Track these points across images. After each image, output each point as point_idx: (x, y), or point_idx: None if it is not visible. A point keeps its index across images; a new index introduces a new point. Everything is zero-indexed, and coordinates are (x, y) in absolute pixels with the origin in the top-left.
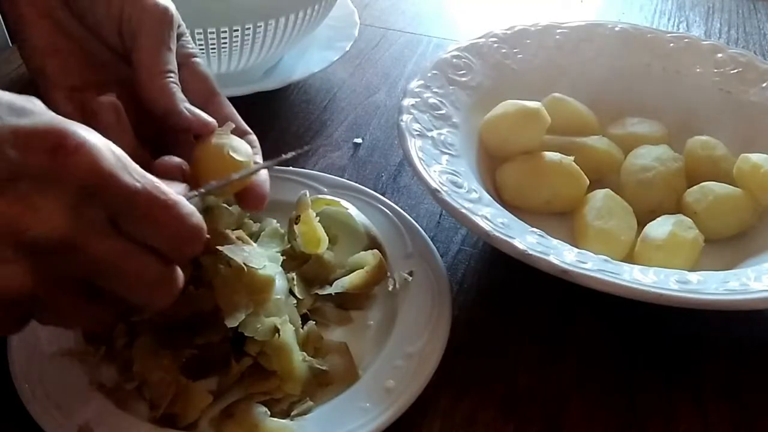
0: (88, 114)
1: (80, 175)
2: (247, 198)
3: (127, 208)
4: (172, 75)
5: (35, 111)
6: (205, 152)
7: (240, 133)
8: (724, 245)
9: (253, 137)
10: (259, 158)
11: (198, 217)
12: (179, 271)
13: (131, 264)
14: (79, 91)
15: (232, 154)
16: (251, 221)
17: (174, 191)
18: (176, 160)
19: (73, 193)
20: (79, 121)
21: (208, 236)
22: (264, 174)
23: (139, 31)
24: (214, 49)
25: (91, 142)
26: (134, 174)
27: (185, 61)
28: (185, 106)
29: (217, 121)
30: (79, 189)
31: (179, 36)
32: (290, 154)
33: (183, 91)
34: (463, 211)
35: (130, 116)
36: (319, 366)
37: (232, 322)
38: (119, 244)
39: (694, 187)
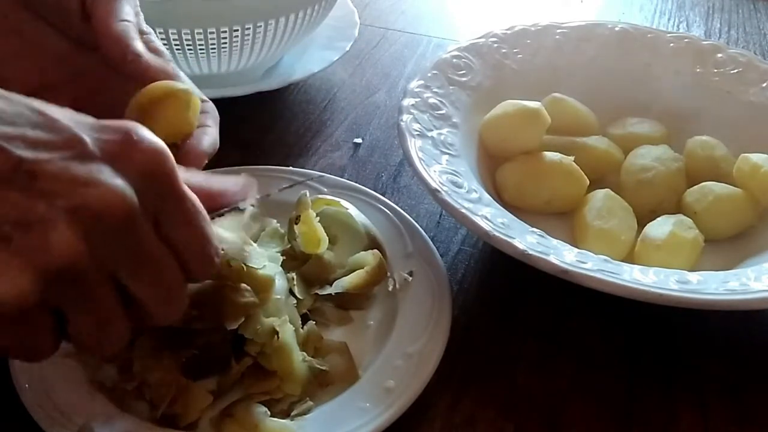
0: None
1: (145, 161)
2: (188, 155)
3: (172, 210)
4: (128, 23)
5: None
6: (150, 87)
7: None
8: (724, 245)
9: (210, 104)
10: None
11: (216, 246)
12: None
13: (163, 262)
14: (39, 93)
15: (176, 83)
16: (251, 221)
17: None
18: None
19: (134, 178)
20: None
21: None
22: (211, 134)
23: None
24: (214, 49)
25: (158, 141)
26: (186, 183)
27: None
28: (145, 52)
29: None
30: (140, 175)
31: (136, 13)
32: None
33: None
34: (463, 211)
35: (90, 110)
36: (319, 366)
37: (232, 325)
38: (158, 241)
39: (694, 187)
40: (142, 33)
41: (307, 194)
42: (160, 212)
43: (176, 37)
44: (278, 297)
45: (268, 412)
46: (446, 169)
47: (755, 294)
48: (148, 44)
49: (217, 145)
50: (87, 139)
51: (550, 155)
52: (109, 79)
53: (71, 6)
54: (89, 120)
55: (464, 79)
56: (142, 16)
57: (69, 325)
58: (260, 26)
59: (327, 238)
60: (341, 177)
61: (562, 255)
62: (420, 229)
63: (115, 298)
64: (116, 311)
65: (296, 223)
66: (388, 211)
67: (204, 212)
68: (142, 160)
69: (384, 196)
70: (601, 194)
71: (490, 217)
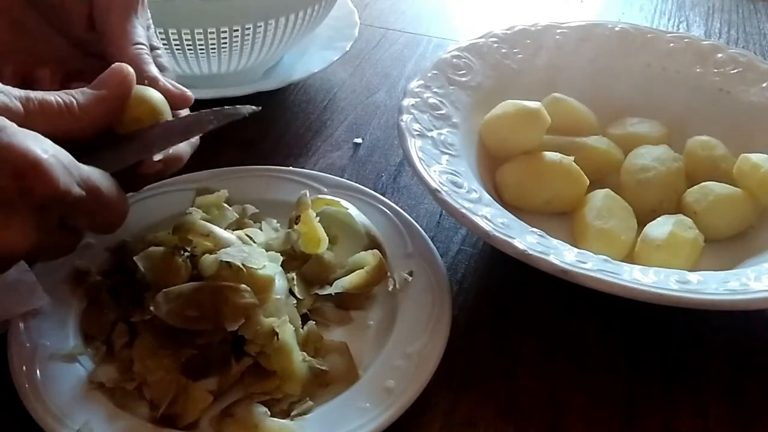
0: None
1: (40, 198)
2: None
3: (74, 212)
4: (143, 46)
5: None
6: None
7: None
8: (724, 245)
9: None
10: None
11: (119, 200)
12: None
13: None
14: (31, 87)
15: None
16: (251, 221)
17: None
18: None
19: (34, 212)
20: None
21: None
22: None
23: (108, 12)
24: (214, 49)
25: (46, 163)
26: (80, 180)
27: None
28: (170, 82)
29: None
30: (39, 207)
31: (146, 27)
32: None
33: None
34: (463, 211)
35: None
36: (319, 366)
37: (232, 327)
38: (65, 232)
39: (694, 187)
40: (153, 49)
41: (307, 194)
42: (63, 217)
43: (176, 37)
44: (278, 297)
45: (268, 412)
46: (446, 169)
47: (755, 294)
48: (155, 61)
49: (181, 162)
50: None
51: (550, 155)
52: None
53: (76, 16)
54: None
55: (464, 79)
56: (153, 29)
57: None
58: (260, 26)
59: (327, 238)
60: (341, 177)
61: (562, 255)
62: (420, 229)
63: (66, 234)
64: (72, 238)
65: (296, 223)
66: (388, 211)
67: (101, 196)
68: (37, 198)
69: (384, 196)
70: (601, 194)
71: (490, 217)
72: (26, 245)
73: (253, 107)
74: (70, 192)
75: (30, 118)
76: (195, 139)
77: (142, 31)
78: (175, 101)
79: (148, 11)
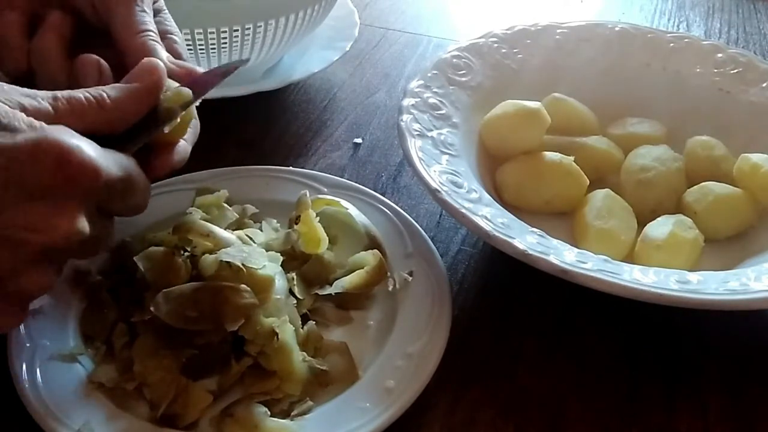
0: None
1: (84, 182)
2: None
3: (110, 197)
4: (150, 33)
5: (19, 127)
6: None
7: None
8: (724, 245)
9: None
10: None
11: (144, 181)
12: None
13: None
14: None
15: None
16: (251, 221)
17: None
18: (94, 57)
19: (80, 198)
20: None
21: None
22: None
23: (109, 2)
24: (214, 49)
25: (85, 150)
26: (115, 162)
27: (162, 38)
28: (170, 59)
29: None
30: (84, 193)
31: (157, 11)
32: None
33: None
34: (463, 211)
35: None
36: (319, 366)
37: (232, 327)
38: (103, 220)
39: (694, 187)
40: (166, 34)
41: (307, 194)
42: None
43: None
44: (278, 297)
45: (268, 412)
46: (446, 169)
47: (755, 294)
48: (170, 47)
49: (186, 159)
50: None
51: (550, 155)
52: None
53: (80, 5)
54: (21, 145)
55: (464, 79)
56: (166, 14)
57: None
58: (260, 26)
59: (327, 238)
60: (341, 177)
61: (562, 255)
62: (420, 229)
63: (104, 222)
64: (108, 225)
65: (296, 223)
66: (388, 211)
67: (134, 175)
68: (83, 185)
69: (384, 196)
70: (601, 194)
71: (490, 217)
72: (81, 231)
73: (243, 60)
74: (110, 175)
75: (60, 116)
76: (197, 130)
77: (148, 17)
78: (181, 80)
79: None
